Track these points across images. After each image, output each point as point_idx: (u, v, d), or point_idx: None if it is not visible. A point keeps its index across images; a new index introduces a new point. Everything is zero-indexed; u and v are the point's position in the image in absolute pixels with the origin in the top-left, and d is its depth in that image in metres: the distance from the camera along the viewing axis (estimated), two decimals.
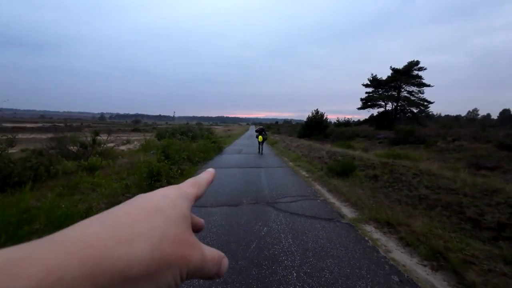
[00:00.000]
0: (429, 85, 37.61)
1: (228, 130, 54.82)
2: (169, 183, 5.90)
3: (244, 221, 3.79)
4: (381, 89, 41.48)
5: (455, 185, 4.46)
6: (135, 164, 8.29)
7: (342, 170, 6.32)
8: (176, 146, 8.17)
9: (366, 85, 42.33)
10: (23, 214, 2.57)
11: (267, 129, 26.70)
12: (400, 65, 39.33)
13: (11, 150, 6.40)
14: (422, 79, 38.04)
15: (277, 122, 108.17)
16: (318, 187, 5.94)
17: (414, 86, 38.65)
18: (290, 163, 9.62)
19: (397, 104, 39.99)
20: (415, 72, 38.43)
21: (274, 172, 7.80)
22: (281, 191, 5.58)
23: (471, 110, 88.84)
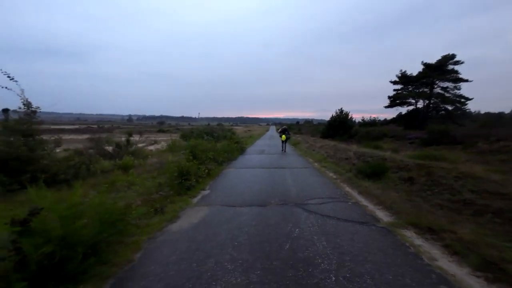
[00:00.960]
0: (466, 80, 34.55)
1: (249, 130, 55.22)
2: (197, 182, 6.08)
3: (274, 222, 3.76)
4: (411, 86, 39.01)
5: (507, 190, 4.03)
6: (164, 164, 8.66)
7: (373, 172, 6.03)
8: (202, 146, 8.39)
9: (394, 82, 40.05)
10: (73, 209, 2.79)
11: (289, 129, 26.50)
12: (432, 60, 36.64)
13: (56, 150, 7.01)
14: (459, 74, 35.07)
15: (298, 122, 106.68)
16: (347, 189, 5.73)
17: (449, 82, 35.79)
18: (315, 164, 9.41)
19: (429, 101, 37.32)
20: (450, 67, 35.57)
21: (299, 173, 7.68)
22: (308, 192, 5.46)
23: None
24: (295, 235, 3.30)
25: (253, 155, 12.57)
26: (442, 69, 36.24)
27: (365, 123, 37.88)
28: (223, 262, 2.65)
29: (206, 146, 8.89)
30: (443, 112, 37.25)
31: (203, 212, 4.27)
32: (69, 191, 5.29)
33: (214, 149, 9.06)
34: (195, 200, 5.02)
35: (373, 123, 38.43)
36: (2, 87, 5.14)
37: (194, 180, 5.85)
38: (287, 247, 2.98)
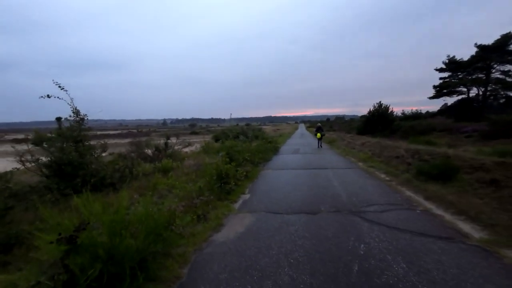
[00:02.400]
0: None
1: (277, 129, 54.42)
2: (237, 185, 5.80)
3: (331, 234, 3.24)
4: (462, 73, 34.53)
5: None
6: (201, 166, 8.63)
7: (440, 173, 5.09)
8: (238, 147, 8.15)
9: (441, 70, 35.84)
10: (121, 219, 2.65)
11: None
12: (488, 41, 31.89)
13: (103, 154, 7.34)
14: None
15: (328, 119, 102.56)
16: (409, 193, 4.91)
17: (511, 65, 30.81)
18: (360, 164, 8.54)
19: (486, 88, 32.58)
20: None
21: (344, 174, 6.97)
22: (362, 197, 4.80)
23: None
24: (362, 252, 2.76)
25: (288, 155, 12.04)
26: (502, 50, 31.35)
27: (406, 117, 34.46)
28: (282, 285, 2.25)
29: (242, 147, 8.63)
30: (504, 99, 32.25)
31: (248, 220, 3.93)
32: (116, 196, 5.42)
33: (249, 150, 8.76)
34: (236, 205, 4.72)
35: (416, 116, 34.83)
36: (55, 97, 5.48)
37: (233, 183, 5.58)
38: (356, 268, 2.46)
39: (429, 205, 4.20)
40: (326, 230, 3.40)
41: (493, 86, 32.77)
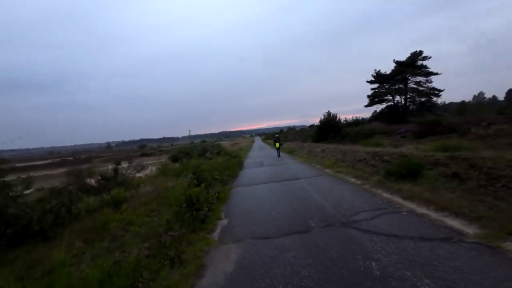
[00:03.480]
0: (436, 73, 36.65)
1: (235, 144, 54.11)
2: (210, 210, 5.05)
3: (336, 255, 2.86)
4: (387, 84, 40.69)
5: None
6: (161, 192, 7.48)
7: (407, 172, 5.37)
8: (205, 165, 7.35)
9: (371, 82, 41.59)
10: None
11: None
12: (403, 57, 38.60)
13: (26, 191, 5.65)
14: (428, 68, 37.17)
15: (281, 130, 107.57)
16: (386, 195, 4.99)
17: (421, 76, 37.76)
18: (327, 170, 8.68)
19: (406, 96, 38.98)
20: (420, 62, 37.63)
21: (318, 183, 6.87)
22: (345, 205, 4.64)
23: (476, 94, 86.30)
24: (378, 272, 2.43)
25: (254, 169, 11.63)
26: (413, 65, 38.27)
27: (349, 124, 38.43)
28: None
29: (208, 165, 7.85)
30: (418, 105, 38.94)
31: (234, 253, 3.27)
32: (48, 248, 4.05)
33: (217, 167, 8.02)
34: (215, 235, 4.00)
35: (357, 122, 39.18)
36: None
37: (206, 208, 4.82)
38: None
39: (410, 205, 4.26)
40: (327, 250, 3.01)
41: (411, 94, 39.42)
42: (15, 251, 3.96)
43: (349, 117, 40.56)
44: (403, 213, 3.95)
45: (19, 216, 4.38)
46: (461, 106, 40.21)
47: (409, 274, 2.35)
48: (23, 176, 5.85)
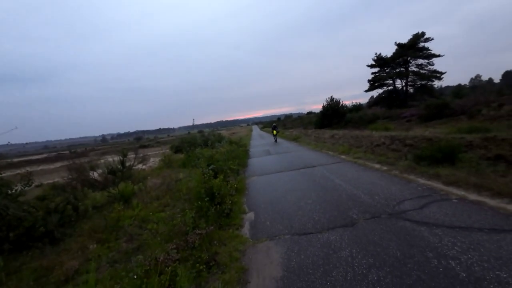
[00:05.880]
0: (438, 55, 35.93)
1: (233, 133, 53.38)
2: (232, 203, 4.61)
3: (400, 253, 2.47)
4: (388, 68, 39.93)
5: None
6: (171, 184, 7.03)
7: (444, 155, 4.97)
8: (219, 155, 6.88)
9: (372, 66, 40.74)
10: None
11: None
12: (404, 40, 37.63)
13: (26, 189, 5.14)
14: (430, 50, 36.37)
15: (279, 118, 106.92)
16: (423, 181, 4.60)
17: (422, 59, 37.00)
18: (343, 157, 8.28)
19: (407, 80, 38.38)
20: (421, 45, 36.76)
21: (339, 170, 6.47)
22: (381, 194, 4.25)
23: (473, 77, 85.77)
24: (464, 274, 2.04)
25: (262, 157, 11.20)
26: (415, 47, 37.40)
27: (350, 109, 37.96)
28: None
29: (226, 155, 7.36)
30: (418, 88, 38.35)
31: (274, 252, 2.87)
32: (57, 253, 3.60)
33: (228, 157, 7.55)
34: (245, 231, 3.59)
35: (357, 108, 38.69)
36: None
37: (230, 201, 4.38)
38: None
39: (457, 191, 3.88)
40: (386, 247, 2.62)
41: (412, 77, 38.80)
42: (21, 257, 3.52)
43: (347, 102, 40.07)
44: (454, 200, 3.57)
45: (21, 217, 3.90)
46: (458, 89, 39.75)
47: (504, 275, 1.97)
48: (21, 172, 5.32)
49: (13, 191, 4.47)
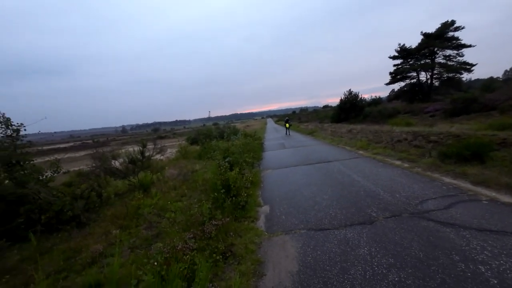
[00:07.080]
0: (469, 46, 33.33)
1: (247, 126, 53.44)
2: (247, 195, 4.64)
3: (423, 254, 2.36)
4: (412, 59, 37.74)
5: None
6: (187, 175, 7.20)
7: (473, 153, 4.65)
8: (235, 148, 6.92)
9: (394, 57, 38.71)
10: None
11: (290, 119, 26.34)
12: (431, 29, 35.22)
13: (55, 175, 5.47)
14: (460, 40, 33.81)
15: (294, 112, 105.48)
16: (448, 179, 4.35)
17: (450, 50, 34.55)
18: (361, 152, 8.02)
19: (432, 72, 36.12)
20: (450, 34, 34.25)
21: (357, 166, 6.28)
22: (402, 192, 4.08)
23: (508, 70, 78.89)
24: (495, 281, 1.92)
25: (276, 151, 11.15)
26: (443, 37, 34.96)
27: (368, 103, 36.54)
28: None
29: (241, 148, 7.40)
30: (443, 81, 35.97)
31: (290, 246, 2.86)
32: (84, 236, 3.83)
33: (243, 149, 7.57)
34: (260, 224, 3.61)
35: (377, 102, 37.17)
36: None
37: (245, 194, 4.41)
38: None
39: (487, 192, 3.64)
40: (408, 247, 2.52)
41: (438, 70, 36.46)
42: (51, 239, 3.79)
43: (365, 96, 38.52)
44: (484, 201, 3.35)
45: (51, 201, 4.18)
46: (489, 82, 36.74)
47: None
48: (51, 159, 5.68)
49: (44, 177, 4.80)
